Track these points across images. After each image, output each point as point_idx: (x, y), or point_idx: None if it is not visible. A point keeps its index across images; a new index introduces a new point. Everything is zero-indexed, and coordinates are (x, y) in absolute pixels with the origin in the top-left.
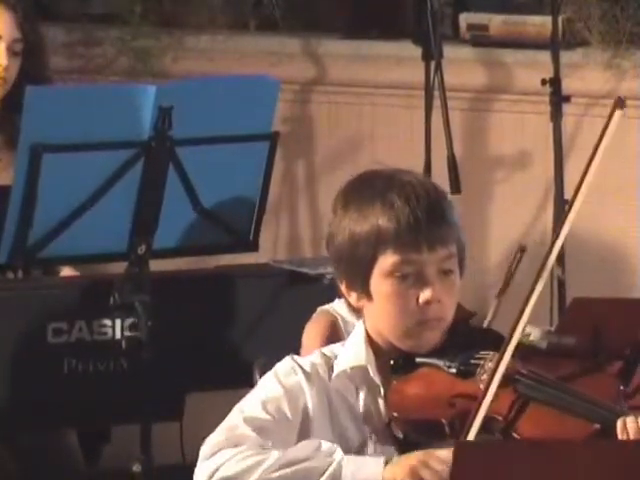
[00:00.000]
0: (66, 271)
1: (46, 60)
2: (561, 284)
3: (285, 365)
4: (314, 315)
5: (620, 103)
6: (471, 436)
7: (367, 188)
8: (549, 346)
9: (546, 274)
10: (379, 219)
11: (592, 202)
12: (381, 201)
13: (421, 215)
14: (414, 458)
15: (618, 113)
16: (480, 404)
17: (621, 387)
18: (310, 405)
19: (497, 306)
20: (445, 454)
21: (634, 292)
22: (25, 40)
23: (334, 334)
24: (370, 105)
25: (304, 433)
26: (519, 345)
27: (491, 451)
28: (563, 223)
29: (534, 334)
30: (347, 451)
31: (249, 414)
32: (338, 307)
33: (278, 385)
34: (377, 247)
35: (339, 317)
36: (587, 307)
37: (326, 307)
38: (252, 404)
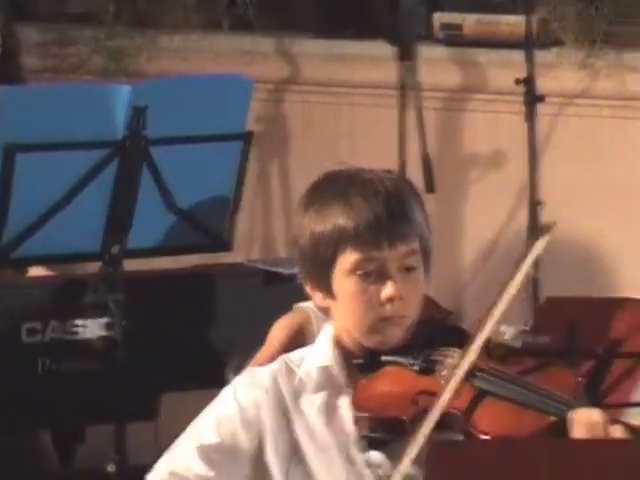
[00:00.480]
0: (34, 270)
1: (21, 62)
2: (535, 283)
3: (243, 380)
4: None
5: (546, 230)
6: (426, 430)
7: (328, 188)
8: (523, 345)
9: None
10: (339, 218)
11: (567, 202)
12: (341, 200)
13: (381, 212)
14: None
15: (543, 239)
16: (439, 399)
17: (579, 379)
18: (267, 420)
19: None
20: None
21: (608, 291)
22: (3, 44)
23: (303, 331)
24: (344, 105)
25: (260, 453)
26: (493, 343)
27: (467, 451)
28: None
29: (508, 333)
30: (323, 449)
31: (201, 442)
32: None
33: (233, 404)
34: (338, 246)
35: (314, 315)
36: (561, 306)
37: (304, 304)
38: (207, 424)
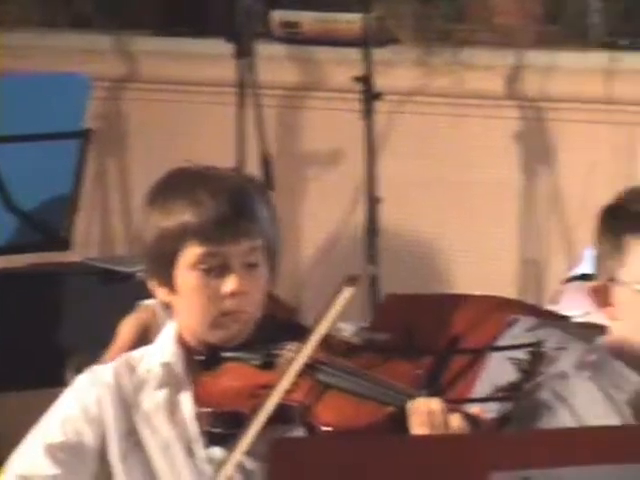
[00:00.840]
0: None
1: None
2: (374, 281)
3: (84, 378)
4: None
5: (351, 281)
6: (260, 421)
7: (174, 184)
8: (363, 342)
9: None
10: (184, 213)
11: (404, 199)
12: (186, 196)
13: (225, 208)
14: None
15: (347, 290)
16: (274, 391)
17: (418, 371)
18: (109, 417)
19: None
20: None
21: (447, 288)
22: None
23: (149, 328)
24: (183, 102)
25: (102, 454)
26: (332, 340)
27: (308, 447)
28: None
29: (348, 330)
30: (165, 446)
31: (47, 441)
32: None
33: (76, 403)
34: (182, 241)
35: (160, 312)
36: (400, 303)
37: (150, 301)
38: (51, 423)
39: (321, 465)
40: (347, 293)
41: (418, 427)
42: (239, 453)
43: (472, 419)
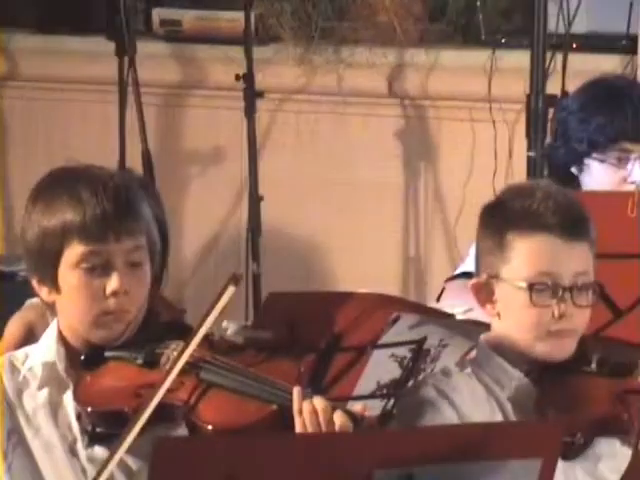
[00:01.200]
0: None
1: None
2: (257, 279)
3: None
4: (23, 308)
5: (234, 280)
6: (142, 420)
7: (57, 183)
8: (246, 340)
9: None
10: (67, 212)
11: (288, 198)
12: (69, 194)
13: (108, 207)
14: None
15: (231, 289)
16: (157, 390)
17: (301, 369)
18: None
19: None
20: None
21: (331, 286)
22: None
23: (36, 327)
24: (64, 101)
25: None
26: (216, 339)
27: (191, 446)
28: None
29: (231, 329)
30: (47, 445)
31: None
32: None
33: None
34: (64, 239)
35: (48, 310)
36: (283, 301)
37: (36, 300)
38: None
39: (204, 463)
40: (230, 292)
41: (302, 426)
42: (121, 452)
43: (355, 418)
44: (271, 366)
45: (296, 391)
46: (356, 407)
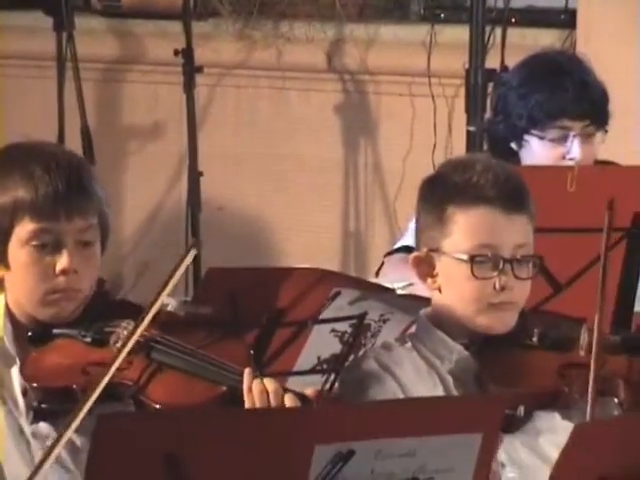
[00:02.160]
0: None
1: None
2: (196, 255)
3: None
4: None
5: (195, 245)
6: (92, 399)
7: (7, 160)
8: (187, 316)
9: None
10: (18, 188)
11: (228, 173)
12: (20, 171)
13: (60, 185)
14: None
15: (192, 252)
16: (106, 368)
17: (251, 351)
18: None
19: None
20: None
21: (272, 261)
22: None
23: None
24: (2, 76)
25: None
26: (158, 315)
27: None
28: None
29: (171, 304)
30: None
31: None
32: None
33: None
34: (15, 216)
35: None
36: (223, 277)
37: None
38: None
39: (145, 440)
40: (189, 258)
41: (252, 406)
42: (70, 431)
43: (306, 400)
44: (221, 347)
45: (247, 371)
46: (308, 390)
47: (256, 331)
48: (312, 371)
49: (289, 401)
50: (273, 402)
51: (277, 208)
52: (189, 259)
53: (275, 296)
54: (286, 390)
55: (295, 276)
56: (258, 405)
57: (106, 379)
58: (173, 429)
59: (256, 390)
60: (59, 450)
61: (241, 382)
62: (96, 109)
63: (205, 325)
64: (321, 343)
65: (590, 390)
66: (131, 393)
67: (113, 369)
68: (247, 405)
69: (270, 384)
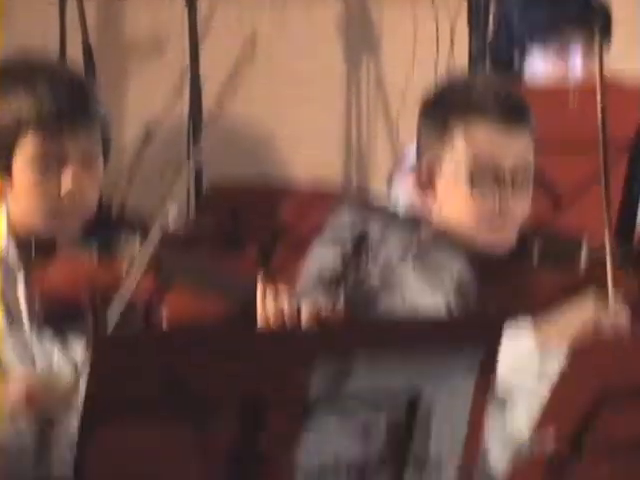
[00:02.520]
0: None
1: None
2: (199, 171)
3: None
4: None
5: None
6: (111, 322)
7: (10, 75)
8: (189, 233)
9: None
10: (21, 104)
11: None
12: (23, 87)
13: (64, 101)
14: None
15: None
16: (122, 288)
17: (261, 266)
18: None
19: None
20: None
21: (273, 174)
22: None
23: None
24: None
25: None
26: (164, 235)
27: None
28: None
29: (173, 220)
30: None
31: None
32: None
33: None
34: (18, 132)
35: None
36: (225, 191)
37: None
38: None
39: (142, 361)
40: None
41: (264, 320)
42: (87, 354)
43: (320, 312)
44: (231, 262)
45: (260, 282)
46: (315, 301)
47: (257, 248)
48: (313, 289)
49: (306, 312)
50: (287, 311)
51: (280, 121)
52: (191, 166)
53: (277, 213)
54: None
55: (296, 193)
56: (271, 317)
57: (120, 300)
58: (168, 350)
59: (269, 302)
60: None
61: (254, 295)
62: (98, 23)
63: (207, 241)
64: (322, 261)
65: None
66: (141, 312)
67: (126, 289)
68: (260, 314)
69: (284, 291)
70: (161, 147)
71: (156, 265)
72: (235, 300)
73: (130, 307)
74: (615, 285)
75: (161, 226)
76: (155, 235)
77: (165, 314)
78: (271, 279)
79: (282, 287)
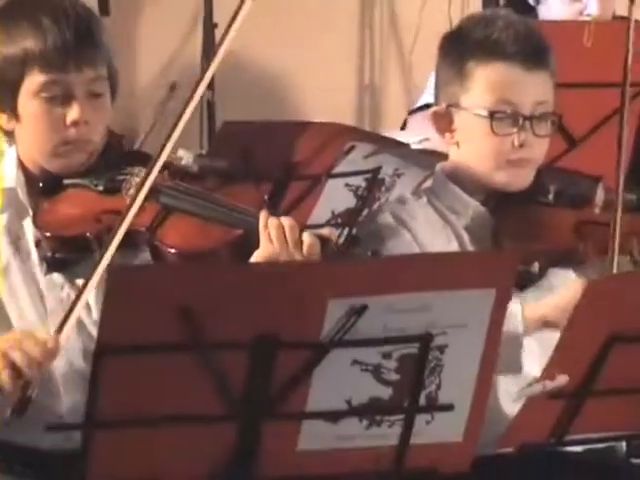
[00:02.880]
0: None
1: None
2: (211, 107)
3: None
4: None
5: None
6: (112, 248)
7: (14, 10)
8: (201, 169)
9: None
10: (27, 39)
11: (242, 27)
12: (28, 22)
13: (69, 35)
14: (5, 340)
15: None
16: (124, 216)
17: (265, 196)
18: None
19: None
20: (46, 337)
21: (285, 114)
22: None
23: None
24: None
25: None
26: (172, 168)
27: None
28: (215, 53)
29: (186, 158)
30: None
31: None
32: None
33: None
34: (24, 67)
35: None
36: (237, 130)
37: None
38: None
39: (158, 293)
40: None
41: (269, 242)
42: (94, 281)
43: (324, 239)
44: (233, 191)
45: (263, 211)
46: (324, 231)
47: (270, 184)
48: (327, 224)
49: (307, 237)
50: (289, 237)
51: (291, 61)
52: (197, 98)
53: (290, 150)
54: (302, 229)
55: (310, 130)
56: (274, 238)
57: (123, 229)
58: (184, 282)
59: (273, 225)
60: (84, 300)
61: (257, 223)
62: None
63: (219, 177)
64: (335, 197)
65: (611, 248)
66: (145, 239)
67: (129, 217)
68: (262, 243)
69: (286, 220)
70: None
71: (159, 191)
72: (237, 227)
73: (133, 233)
74: (629, 227)
75: (166, 152)
76: (159, 161)
77: (167, 239)
78: (275, 210)
79: (285, 218)
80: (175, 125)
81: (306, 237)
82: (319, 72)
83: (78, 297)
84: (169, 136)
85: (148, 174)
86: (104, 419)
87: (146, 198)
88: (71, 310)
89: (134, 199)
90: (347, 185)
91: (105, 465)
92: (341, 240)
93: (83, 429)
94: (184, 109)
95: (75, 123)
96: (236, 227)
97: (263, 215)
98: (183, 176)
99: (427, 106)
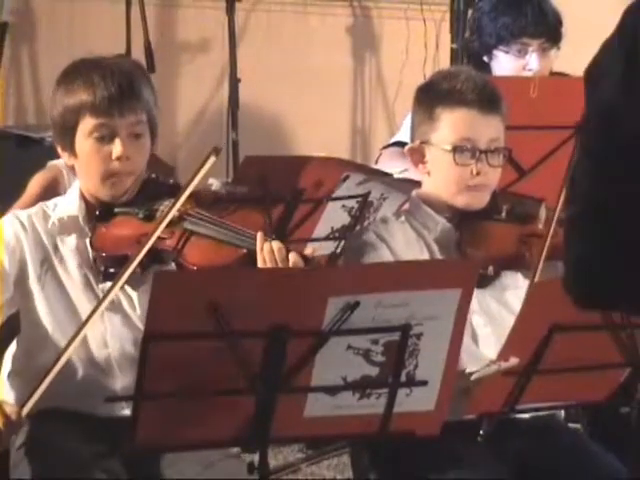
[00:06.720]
0: None
1: None
2: (235, 145)
3: (6, 219)
4: (46, 167)
5: (215, 151)
6: (138, 258)
7: (75, 71)
8: (227, 193)
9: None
10: (82, 93)
11: (260, 80)
12: (83, 79)
13: (114, 89)
14: None
15: (212, 159)
16: (150, 236)
17: (266, 219)
18: (26, 250)
19: None
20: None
21: (295, 151)
22: None
23: (56, 184)
24: (76, 1)
25: (21, 279)
26: (198, 196)
27: (183, 276)
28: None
29: (215, 185)
30: (72, 280)
31: None
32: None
33: None
34: (79, 115)
35: (65, 170)
36: (257, 163)
37: (57, 161)
38: None
39: (193, 291)
40: (211, 161)
41: (263, 262)
42: (121, 282)
43: (306, 257)
44: (242, 217)
45: (259, 235)
46: (306, 250)
47: (282, 206)
48: (326, 238)
49: (292, 257)
50: (278, 257)
51: (299, 108)
52: (211, 161)
53: (299, 178)
54: (290, 250)
55: (314, 163)
56: (267, 260)
57: (149, 244)
58: (212, 282)
59: (266, 248)
60: (112, 296)
61: (255, 244)
62: (156, 28)
63: (241, 201)
64: (334, 216)
65: (543, 255)
66: (172, 257)
67: (155, 237)
68: (259, 261)
69: (276, 244)
70: (206, 126)
71: (183, 219)
72: (242, 248)
73: (162, 252)
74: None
75: (189, 189)
76: (183, 195)
77: (189, 258)
78: (270, 234)
79: (275, 242)
80: (198, 170)
81: (291, 256)
82: (320, 117)
83: (108, 292)
84: (192, 177)
85: (173, 204)
86: (150, 392)
87: (173, 224)
88: (101, 301)
89: (160, 223)
90: (343, 206)
91: (150, 430)
92: (325, 254)
93: (133, 400)
94: (202, 165)
95: (118, 157)
96: (242, 247)
97: (259, 239)
98: (208, 200)
99: (399, 143)
